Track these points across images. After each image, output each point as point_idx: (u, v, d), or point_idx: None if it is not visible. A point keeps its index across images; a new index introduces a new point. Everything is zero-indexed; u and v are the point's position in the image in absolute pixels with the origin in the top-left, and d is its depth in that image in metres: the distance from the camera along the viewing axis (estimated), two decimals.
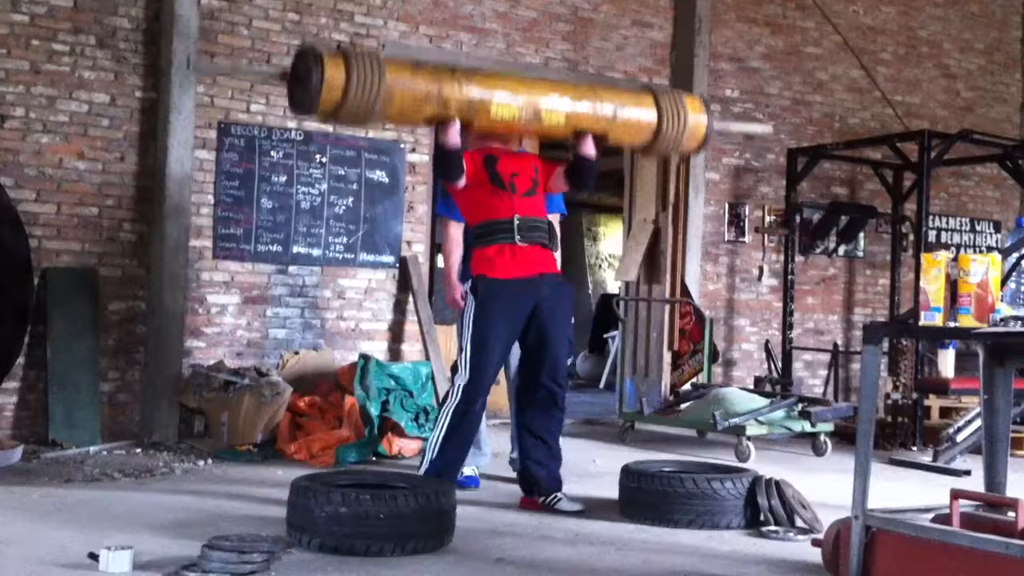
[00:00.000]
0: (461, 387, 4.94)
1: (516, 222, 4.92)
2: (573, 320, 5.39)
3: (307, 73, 4.46)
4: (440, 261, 6.05)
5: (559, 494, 5.08)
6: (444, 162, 4.92)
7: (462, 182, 4.93)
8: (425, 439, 6.43)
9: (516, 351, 5.37)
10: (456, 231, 5.69)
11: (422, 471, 4.96)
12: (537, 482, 5.10)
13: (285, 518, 4.23)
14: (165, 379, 6.92)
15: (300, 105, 4.59)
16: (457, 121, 4.72)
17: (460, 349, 5.04)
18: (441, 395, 5.74)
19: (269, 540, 3.87)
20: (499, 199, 4.95)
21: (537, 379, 5.09)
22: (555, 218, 5.41)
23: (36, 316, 6.62)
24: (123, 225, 7.01)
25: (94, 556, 3.69)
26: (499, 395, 6.79)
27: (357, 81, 4.45)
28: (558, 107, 4.88)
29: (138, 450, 6.53)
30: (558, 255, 5.27)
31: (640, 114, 5.05)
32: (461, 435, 4.99)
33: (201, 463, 6.14)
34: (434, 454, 4.97)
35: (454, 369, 5.07)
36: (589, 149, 4.98)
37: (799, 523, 4.71)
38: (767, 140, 9.61)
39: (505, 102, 4.77)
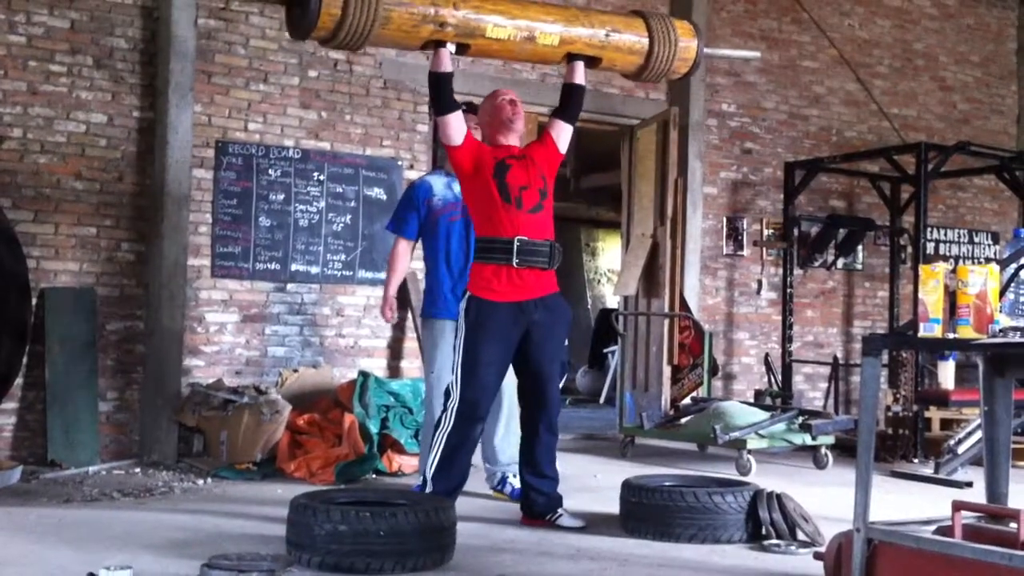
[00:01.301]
0: (454, 411, 4.91)
1: (516, 244, 4.88)
2: (568, 340, 5.36)
3: None
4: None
5: (560, 510, 5.07)
6: (435, 89, 4.93)
7: (453, 116, 4.90)
8: (421, 454, 6.44)
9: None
10: (405, 249, 5.93)
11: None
12: (539, 507, 5.09)
13: (285, 536, 4.21)
14: (164, 398, 6.91)
15: (299, 26, 4.63)
16: (450, 45, 4.81)
17: (452, 372, 5.01)
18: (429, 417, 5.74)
19: (268, 558, 3.86)
20: (505, 214, 4.91)
21: (531, 407, 5.07)
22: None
23: (34, 336, 6.62)
24: (121, 244, 7.01)
25: None
26: None
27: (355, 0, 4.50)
28: (552, 29, 4.97)
29: (137, 469, 6.52)
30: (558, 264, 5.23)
31: (632, 37, 5.16)
32: (457, 462, 4.96)
33: (200, 482, 6.12)
34: (430, 482, 4.95)
35: (447, 393, 5.04)
36: (580, 77, 5.10)
37: (801, 536, 4.70)
38: (763, 154, 9.63)
39: (501, 23, 4.85)
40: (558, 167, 5.21)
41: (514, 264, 4.89)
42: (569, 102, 5.16)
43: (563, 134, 5.16)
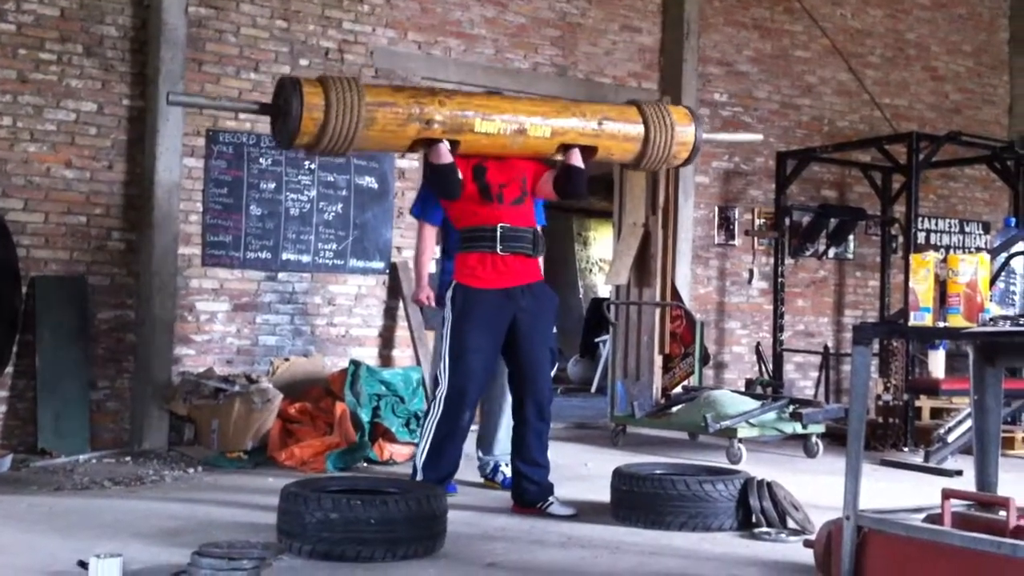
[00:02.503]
0: (442, 399, 4.92)
1: (500, 231, 4.89)
2: (558, 328, 5.36)
3: (287, 102, 4.43)
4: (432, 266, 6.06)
5: (551, 499, 5.08)
6: (440, 181, 4.84)
7: (459, 194, 4.90)
8: (416, 444, 6.45)
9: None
10: (430, 233, 5.79)
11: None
12: (528, 495, 5.10)
13: (276, 524, 4.21)
14: (155, 387, 6.90)
15: (283, 134, 4.54)
16: (446, 140, 4.70)
17: (440, 359, 5.02)
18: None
19: (259, 547, 3.85)
20: (486, 208, 4.94)
21: (521, 395, 5.07)
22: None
23: (25, 325, 6.60)
24: (112, 233, 6.99)
25: (83, 564, 3.66)
26: None
27: (337, 102, 4.41)
28: (543, 121, 4.84)
29: (128, 458, 6.51)
30: (542, 260, 5.23)
31: (626, 125, 5.01)
32: (447, 451, 4.98)
33: (191, 471, 6.12)
34: (420, 471, 4.98)
35: (435, 381, 5.04)
36: (578, 160, 4.94)
37: (791, 524, 4.71)
38: (756, 144, 9.63)
39: (489, 117, 4.73)
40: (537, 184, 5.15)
41: (498, 251, 4.89)
42: (565, 182, 5.00)
43: (546, 193, 5.10)
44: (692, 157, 5.27)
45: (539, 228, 5.14)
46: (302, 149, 4.71)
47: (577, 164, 4.95)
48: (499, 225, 4.90)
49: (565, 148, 4.94)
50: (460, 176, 4.85)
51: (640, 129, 5.02)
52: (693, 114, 5.24)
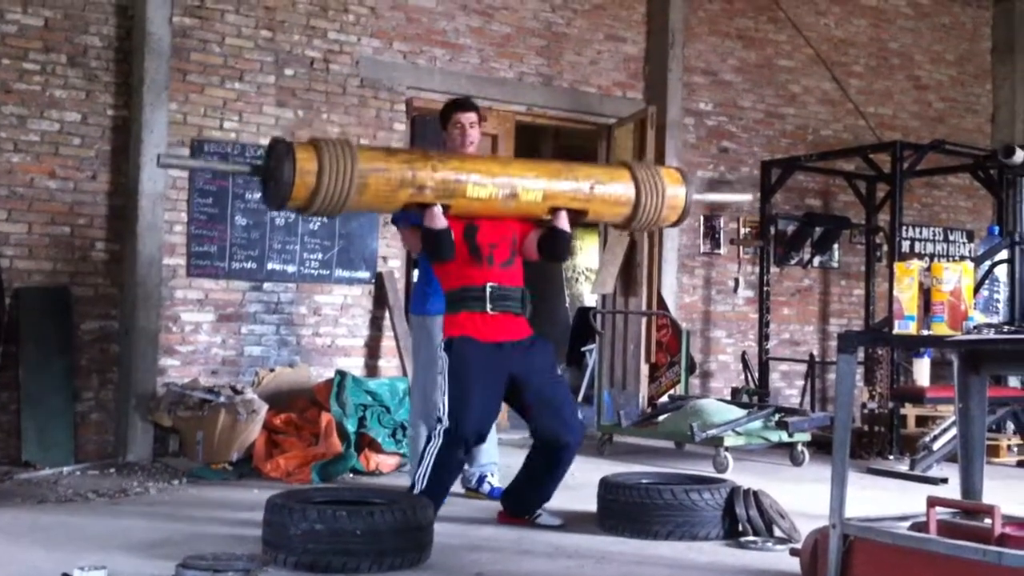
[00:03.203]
0: (443, 433, 4.85)
1: (488, 290, 4.87)
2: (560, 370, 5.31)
3: (279, 164, 4.39)
4: (417, 267, 5.97)
5: (540, 510, 5.07)
6: (435, 245, 4.81)
7: (453, 257, 4.87)
8: (403, 454, 6.44)
9: None
10: (414, 230, 5.64)
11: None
12: (523, 508, 5.09)
13: (261, 536, 4.19)
14: (139, 398, 6.87)
15: (275, 197, 4.48)
16: (439, 204, 4.67)
17: (441, 395, 4.93)
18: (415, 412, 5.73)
19: (244, 558, 3.84)
20: (476, 269, 4.91)
21: (555, 436, 4.94)
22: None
23: (8, 336, 6.56)
24: (96, 244, 6.96)
25: None
26: None
27: (330, 167, 4.38)
28: (534, 184, 4.82)
29: (112, 470, 6.47)
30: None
31: (617, 187, 4.98)
32: (444, 478, 4.94)
33: (176, 482, 6.09)
34: (422, 488, 4.91)
35: (439, 419, 5.00)
36: (565, 224, 4.91)
37: (777, 533, 4.71)
38: (740, 153, 9.66)
39: (481, 182, 4.71)
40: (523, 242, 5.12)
41: (488, 310, 4.86)
42: (550, 245, 4.98)
43: (529, 253, 5.06)
44: (682, 219, 5.23)
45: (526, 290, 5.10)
46: (293, 211, 4.68)
47: (564, 228, 4.92)
48: (488, 284, 4.87)
49: (554, 210, 4.92)
50: (454, 240, 4.82)
51: (631, 193, 4.98)
52: (684, 176, 5.19)
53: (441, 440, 4.86)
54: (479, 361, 4.83)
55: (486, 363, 4.84)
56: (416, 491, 4.95)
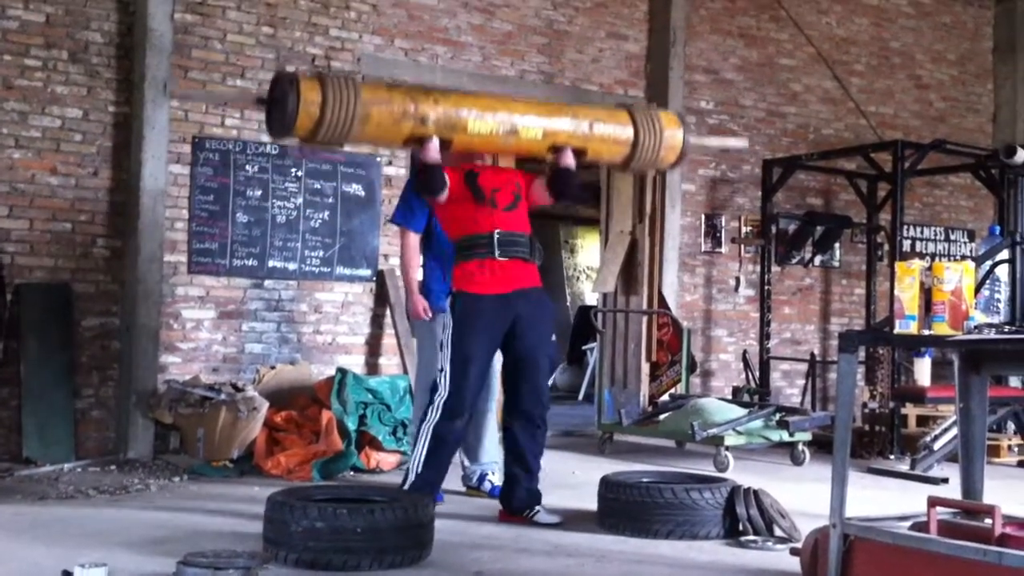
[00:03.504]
0: (441, 404, 4.94)
1: (496, 236, 4.93)
2: (553, 337, 5.36)
3: (283, 95, 4.46)
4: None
5: (538, 507, 5.07)
6: (425, 178, 4.86)
7: (444, 195, 4.91)
8: (403, 452, 6.44)
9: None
10: (414, 241, 5.69)
11: (406, 488, 4.97)
12: (518, 501, 5.10)
13: (262, 533, 4.19)
14: (140, 395, 6.87)
15: (278, 128, 4.58)
16: (436, 138, 4.71)
17: (439, 368, 5.01)
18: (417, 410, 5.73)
19: (245, 556, 3.84)
20: (480, 213, 4.96)
21: (519, 400, 5.09)
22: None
23: (9, 332, 6.56)
24: (97, 240, 6.96)
25: (68, 573, 3.64)
26: None
27: (333, 100, 4.45)
28: (535, 122, 4.89)
29: (113, 467, 6.48)
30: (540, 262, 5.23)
31: (616, 128, 5.06)
32: (442, 454, 5.00)
33: (176, 479, 6.09)
34: (417, 472, 4.98)
35: (433, 388, 5.05)
36: (569, 160, 4.96)
37: (778, 532, 4.71)
38: (742, 152, 9.65)
39: (482, 117, 4.77)
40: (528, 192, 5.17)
41: (496, 256, 4.93)
42: (559, 183, 5.03)
43: (540, 198, 5.13)
44: (680, 161, 5.32)
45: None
46: (297, 141, 4.77)
47: (569, 165, 4.97)
48: (495, 231, 4.94)
49: (555, 150, 4.97)
50: (446, 177, 4.86)
51: (630, 133, 5.07)
52: (682, 120, 5.30)
53: (439, 413, 4.93)
54: (481, 324, 4.91)
55: (488, 326, 4.93)
56: (412, 472, 4.99)
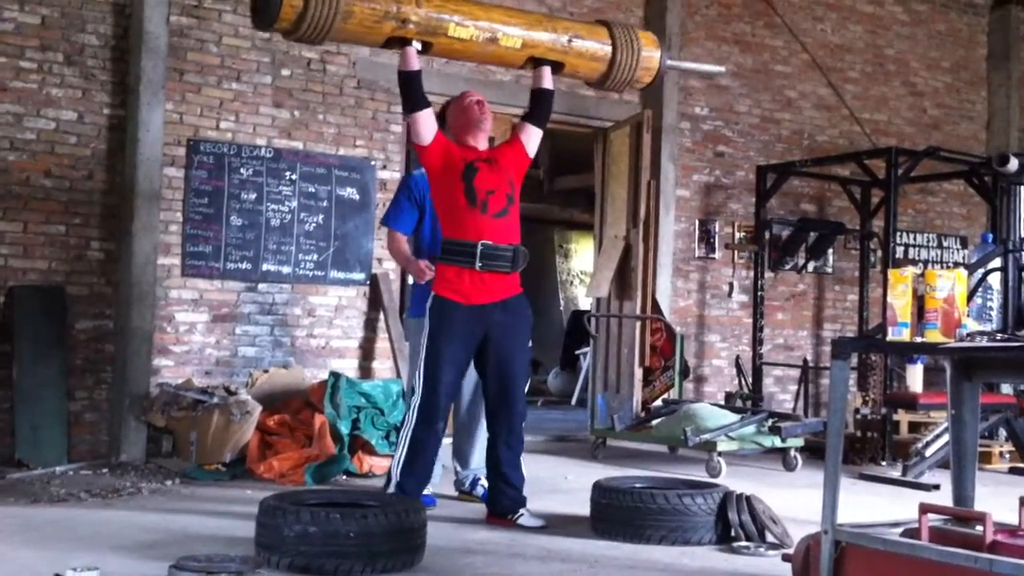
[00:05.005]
0: (416, 407, 4.98)
1: (480, 248, 4.92)
2: (533, 341, 5.35)
3: None
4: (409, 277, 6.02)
5: (522, 510, 5.09)
6: (406, 86, 4.95)
7: (423, 114, 4.92)
8: (394, 453, 6.43)
9: (470, 379, 5.40)
10: (402, 241, 5.73)
11: (389, 491, 5.00)
12: (500, 506, 5.13)
13: (254, 537, 4.19)
14: (133, 398, 6.86)
15: (263, 18, 4.67)
16: (416, 43, 4.83)
17: (415, 371, 5.04)
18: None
19: (237, 560, 3.83)
20: (469, 217, 4.95)
21: (494, 409, 5.10)
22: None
23: (2, 335, 6.55)
24: (91, 243, 6.96)
25: None
26: None
27: None
28: (514, 32, 5.01)
29: (105, 470, 6.47)
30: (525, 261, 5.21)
31: (594, 43, 5.20)
32: (422, 458, 5.01)
33: (169, 483, 6.08)
34: (397, 477, 5.02)
35: (412, 390, 5.07)
36: (548, 81, 5.13)
37: (770, 538, 4.72)
38: (736, 157, 9.67)
39: (463, 23, 4.88)
40: (526, 170, 5.24)
41: (477, 267, 4.93)
42: (538, 107, 5.19)
43: (532, 138, 5.19)
44: (654, 81, 5.49)
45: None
46: (279, 34, 4.85)
47: (548, 86, 5.14)
48: (480, 242, 4.92)
49: (534, 63, 5.11)
50: (425, 97, 4.93)
51: (608, 49, 5.21)
52: (659, 40, 5.47)
53: (415, 418, 4.96)
54: (456, 332, 4.94)
55: (463, 331, 4.95)
56: (392, 480, 5.01)
